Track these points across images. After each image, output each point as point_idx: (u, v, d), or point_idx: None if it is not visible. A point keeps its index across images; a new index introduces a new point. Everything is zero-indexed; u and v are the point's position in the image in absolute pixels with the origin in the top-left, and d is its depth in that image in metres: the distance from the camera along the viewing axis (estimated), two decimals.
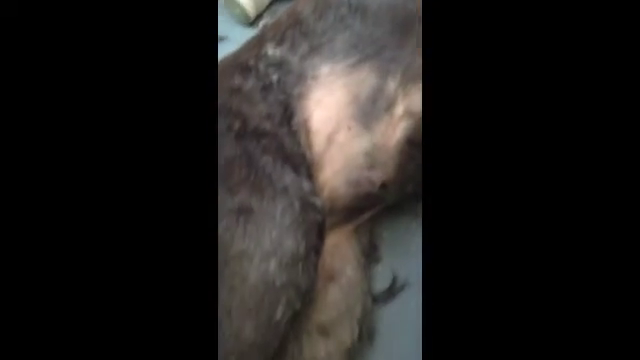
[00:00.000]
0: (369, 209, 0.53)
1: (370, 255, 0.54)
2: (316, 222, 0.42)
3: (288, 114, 0.49)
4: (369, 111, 0.51)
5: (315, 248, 0.41)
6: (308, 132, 0.50)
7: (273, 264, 0.38)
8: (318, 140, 0.51)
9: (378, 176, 0.50)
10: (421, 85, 0.51)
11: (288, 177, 0.43)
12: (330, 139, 0.51)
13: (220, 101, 0.48)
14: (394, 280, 0.53)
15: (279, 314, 0.38)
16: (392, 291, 0.53)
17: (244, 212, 0.41)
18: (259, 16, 0.75)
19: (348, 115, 0.51)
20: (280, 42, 0.51)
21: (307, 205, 0.42)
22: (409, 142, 0.51)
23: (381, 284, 0.54)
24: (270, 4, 0.76)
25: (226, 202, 0.42)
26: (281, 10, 0.75)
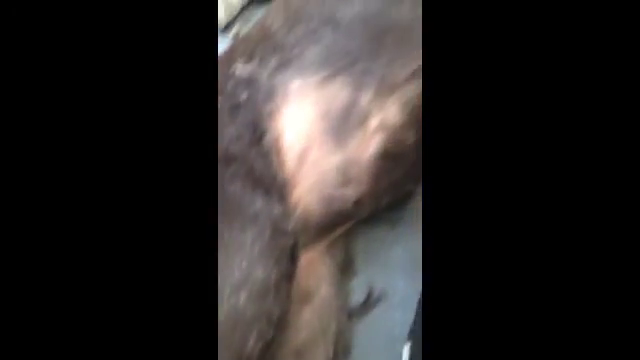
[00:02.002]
0: (343, 225, 0.53)
1: (346, 270, 0.54)
2: (288, 247, 0.41)
3: (258, 134, 0.48)
4: (341, 126, 0.50)
5: (287, 274, 0.41)
6: (279, 150, 0.49)
7: (243, 296, 0.38)
8: (290, 158, 0.50)
9: (351, 193, 0.49)
10: (396, 96, 0.50)
11: (259, 202, 0.43)
12: (302, 156, 0.50)
13: None
14: (369, 293, 0.54)
15: (250, 346, 0.38)
16: (368, 305, 0.53)
17: None
18: (231, 22, 0.73)
19: (320, 131, 0.50)
20: (249, 58, 0.49)
21: (278, 231, 0.41)
22: (383, 156, 0.51)
23: (358, 298, 0.54)
24: (242, 10, 0.74)
25: None
26: (254, 16, 0.73)
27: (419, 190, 0.56)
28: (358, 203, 0.50)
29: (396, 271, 0.56)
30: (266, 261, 0.39)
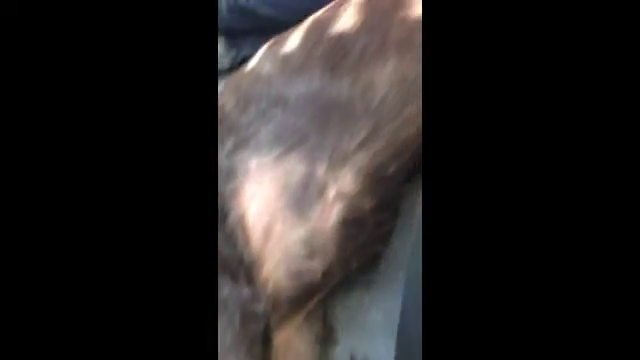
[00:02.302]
0: (315, 296, 0.53)
1: (326, 340, 0.54)
2: (259, 332, 0.41)
3: (222, 216, 0.50)
4: (302, 199, 0.52)
5: None
6: (244, 229, 0.50)
7: None
8: (255, 235, 0.51)
9: (319, 264, 0.50)
10: (349, 166, 0.52)
11: (226, 288, 0.43)
12: (267, 233, 0.51)
13: None
14: None
15: None
16: None
17: None
18: None
19: (282, 206, 0.52)
20: None
21: (249, 315, 0.42)
22: (345, 223, 0.52)
23: None
24: None
25: None
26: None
27: (387, 251, 0.57)
28: (327, 273, 0.51)
29: (376, 336, 0.55)
30: (237, 351, 0.39)
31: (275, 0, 0.68)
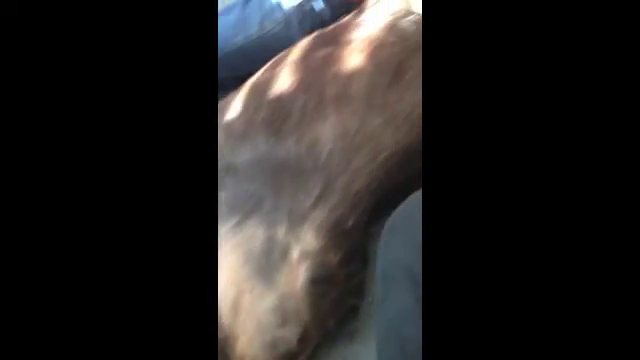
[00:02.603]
0: None
1: None
2: None
3: None
4: (266, 265, 0.51)
5: None
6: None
7: None
8: (225, 310, 0.50)
9: (294, 331, 0.49)
10: (308, 224, 0.51)
11: None
12: (236, 306, 0.50)
13: None
14: None
15: None
16: None
17: None
18: None
19: (247, 275, 0.51)
20: None
21: None
22: (314, 282, 0.51)
23: None
24: None
25: None
26: None
27: (363, 302, 0.56)
28: (303, 339, 0.49)
29: None
30: None
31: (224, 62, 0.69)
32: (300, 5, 0.65)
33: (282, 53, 0.57)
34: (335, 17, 0.63)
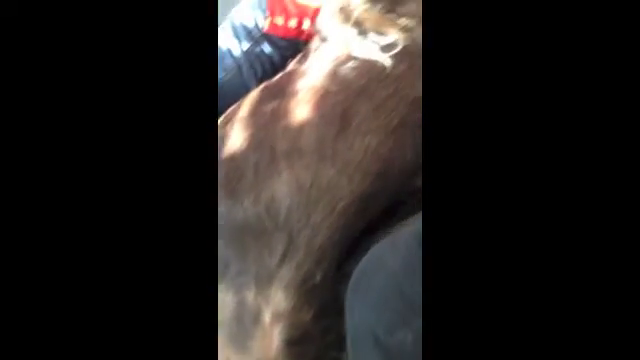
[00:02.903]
0: None
1: None
2: None
3: None
4: (239, 331, 0.49)
5: None
6: None
7: None
8: None
9: None
10: (277, 284, 0.50)
11: None
12: None
13: None
14: None
15: None
16: None
17: None
18: None
19: (221, 345, 0.49)
20: None
21: None
22: (290, 343, 0.49)
23: None
24: None
25: None
26: None
27: (344, 354, 0.54)
28: None
29: None
30: None
31: None
32: (249, 50, 0.64)
33: (233, 107, 0.56)
34: (285, 58, 0.62)
